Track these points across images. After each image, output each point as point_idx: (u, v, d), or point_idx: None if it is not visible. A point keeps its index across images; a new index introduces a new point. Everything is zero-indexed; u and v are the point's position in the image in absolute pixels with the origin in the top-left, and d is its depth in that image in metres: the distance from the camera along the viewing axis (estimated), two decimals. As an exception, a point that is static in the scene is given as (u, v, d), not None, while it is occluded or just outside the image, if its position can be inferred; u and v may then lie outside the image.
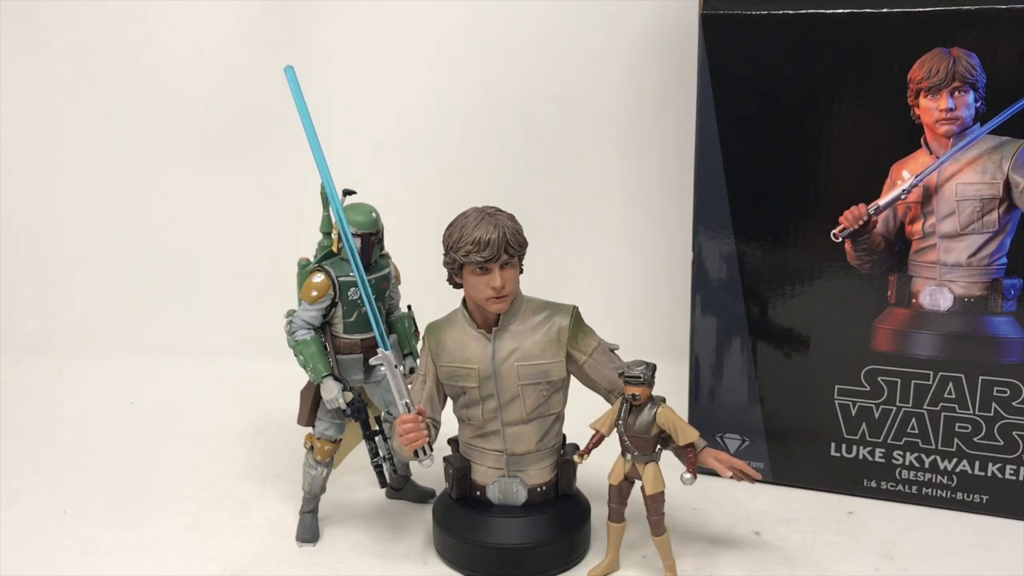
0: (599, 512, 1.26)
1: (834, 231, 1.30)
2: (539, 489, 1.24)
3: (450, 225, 1.18)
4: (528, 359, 1.19)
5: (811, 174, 1.30)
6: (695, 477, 1.15)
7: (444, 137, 1.96)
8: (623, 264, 2.00)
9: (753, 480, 1.18)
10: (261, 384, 1.90)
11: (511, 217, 1.18)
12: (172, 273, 2.11)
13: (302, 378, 1.31)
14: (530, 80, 1.90)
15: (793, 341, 1.37)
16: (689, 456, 1.16)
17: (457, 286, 1.20)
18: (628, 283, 2.00)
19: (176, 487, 1.50)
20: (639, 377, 1.14)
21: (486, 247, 1.13)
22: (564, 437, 1.27)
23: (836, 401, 1.37)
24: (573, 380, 1.24)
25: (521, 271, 1.20)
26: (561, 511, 1.24)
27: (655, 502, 1.17)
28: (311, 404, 1.31)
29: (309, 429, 1.33)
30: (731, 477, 1.17)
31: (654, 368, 1.16)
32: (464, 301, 1.22)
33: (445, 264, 1.19)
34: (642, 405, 1.15)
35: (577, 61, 1.89)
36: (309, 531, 1.32)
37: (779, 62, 1.27)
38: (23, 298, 2.15)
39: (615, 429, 1.18)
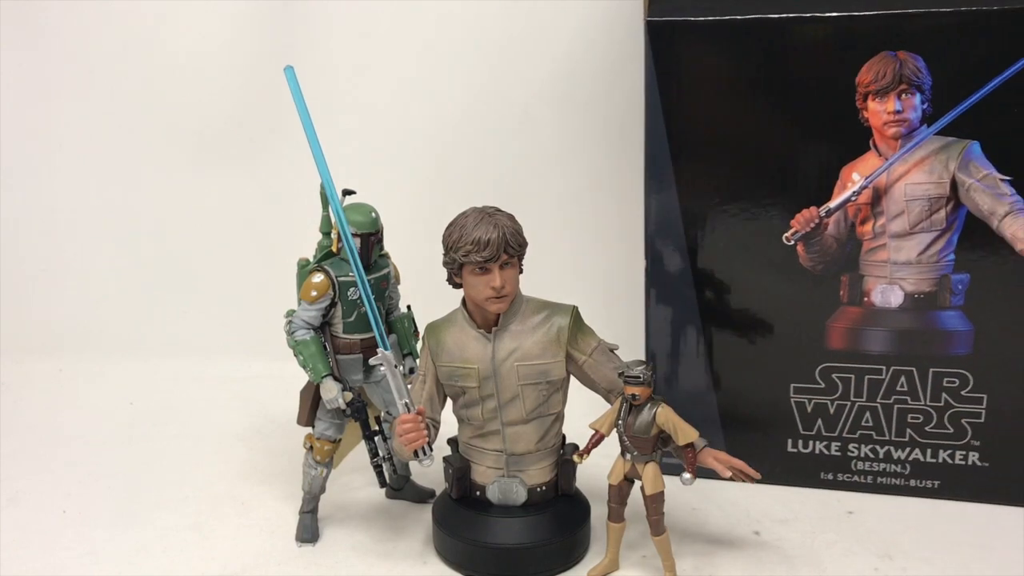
0: (599, 512, 1.26)
1: (786, 234, 1.32)
2: (539, 489, 1.24)
3: (450, 225, 1.18)
4: (528, 359, 1.19)
5: (761, 178, 1.31)
6: (695, 477, 1.16)
7: (444, 137, 1.96)
8: (623, 264, 1.99)
9: (753, 480, 1.18)
10: (261, 384, 1.90)
11: (511, 217, 1.18)
12: (172, 273, 2.11)
13: (302, 378, 1.31)
14: (530, 80, 1.91)
15: (748, 343, 1.39)
16: (689, 456, 1.16)
17: (457, 286, 1.20)
18: (628, 283, 1.99)
19: (176, 487, 1.50)
20: (639, 377, 1.14)
21: (486, 247, 1.13)
22: (564, 437, 1.27)
23: (792, 399, 1.39)
24: (573, 380, 1.24)
25: (521, 271, 1.20)
26: (561, 511, 1.24)
27: (655, 502, 1.17)
28: (311, 404, 1.31)
29: (309, 429, 1.33)
30: (730, 477, 1.18)
31: (654, 368, 1.16)
32: (464, 301, 1.22)
33: (445, 264, 1.19)
34: (642, 405, 1.15)
35: (577, 61, 1.89)
36: (309, 531, 1.32)
37: (726, 67, 1.27)
38: (23, 298, 2.15)
39: (615, 429, 1.18)
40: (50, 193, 2.12)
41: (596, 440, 1.19)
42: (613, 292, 1.84)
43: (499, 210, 1.18)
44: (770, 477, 1.28)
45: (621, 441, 1.18)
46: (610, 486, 1.20)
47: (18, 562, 1.29)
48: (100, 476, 1.54)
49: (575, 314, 1.22)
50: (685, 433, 1.15)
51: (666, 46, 1.28)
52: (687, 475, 1.15)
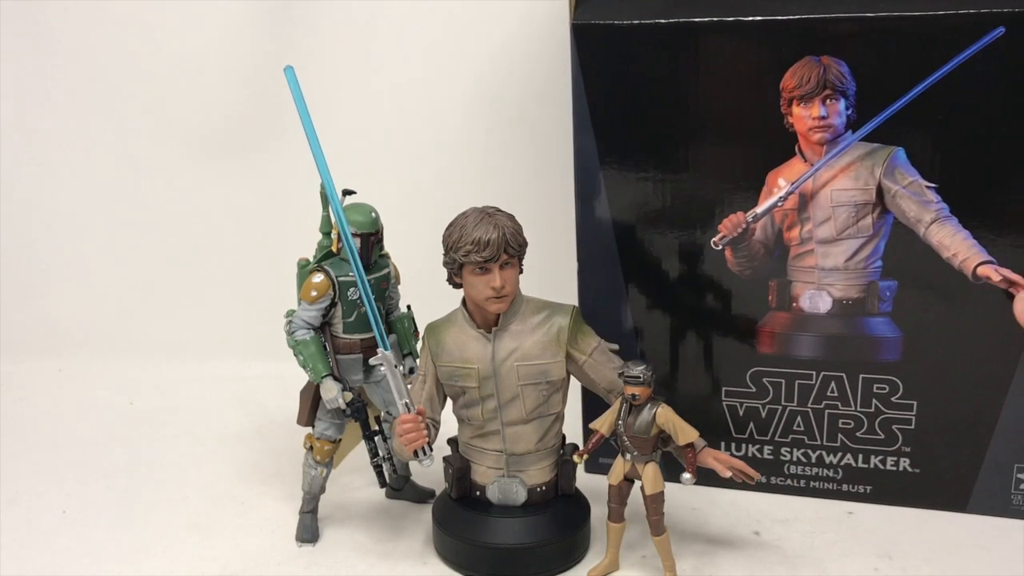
0: (599, 512, 1.26)
1: (714, 239, 1.32)
2: (539, 489, 1.24)
3: (450, 225, 1.18)
4: (528, 359, 1.19)
5: (687, 182, 1.31)
6: (695, 477, 1.16)
7: (444, 137, 1.96)
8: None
9: (753, 480, 1.18)
10: (261, 384, 1.90)
11: (511, 217, 1.18)
12: (172, 273, 2.11)
13: (302, 378, 1.31)
14: (530, 79, 1.90)
15: (681, 345, 1.39)
16: (689, 456, 1.16)
17: (457, 286, 1.20)
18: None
19: (176, 487, 1.50)
20: (639, 377, 1.14)
21: (486, 247, 1.13)
22: (564, 437, 1.27)
23: (724, 402, 1.39)
24: (573, 380, 1.24)
25: (521, 271, 1.20)
26: (561, 511, 1.24)
27: (655, 502, 1.17)
28: (311, 404, 1.31)
29: (309, 429, 1.33)
30: (730, 477, 1.18)
31: (654, 368, 1.16)
32: (464, 301, 1.22)
33: (445, 264, 1.19)
34: (642, 405, 1.16)
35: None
36: (309, 531, 1.32)
37: (652, 70, 1.27)
38: (23, 298, 2.15)
39: (614, 429, 1.18)
40: (50, 193, 2.12)
41: (596, 440, 1.19)
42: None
43: (499, 210, 1.18)
44: (707, 481, 1.29)
45: (621, 441, 1.18)
46: (610, 486, 1.20)
47: (18, 562, 1.29)
48: (100, 476, 1.55)
49: (575, 314, 1.22)
50: (685, 433, 1.15)
51: (591, 49, 1.28)
52: (687, 475, 1.15)
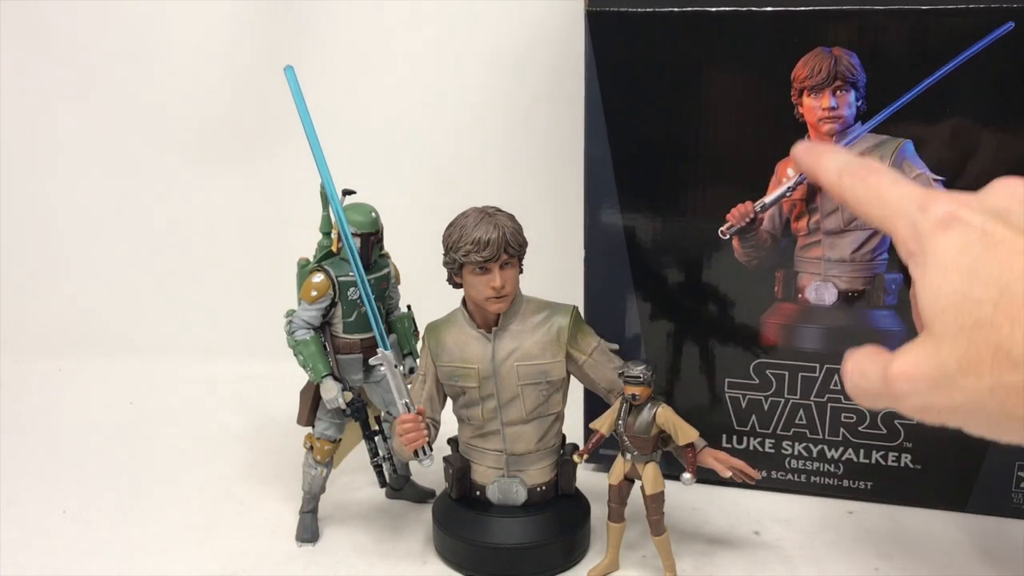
0: (599, 512, 1.26)
1: (721, 228, 1.32)
2: (539, 489, 1.24)
3: (450, 225, 1.18)
4: (528, 359, 1.19)
5: (697, 171, 1.31)
6: (695, 477, 1.16)
7: (444, 137, 1.96)
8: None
9: (753, 480, 1.18)
10: (261, 384, 1.90)
11: (511, 217, 1.18)
12: (172, 273, 2.11)
13: (302, 378, 1.31)
14: (531, 80, 1.90)
15: (683, 338, 1.39)
16: (689, 456, 1.16)
17: (457, 286, 1.20)
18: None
19: (176, 487, 1.50)
20: (639, 377, 1.14)
21: (486, 247, 1.13)
22: (564, 437, 1.27)
23: (727, 394, 1.39)
24: (573, 380, 1.24)
25: (521, 271, 1.20)
26: (561, 511, 1.24)
27: (655, 502, 1.17)
28: (311, 404, 1.31)
29: (309, 429, 1.33)
30: (730, 477, 1.18)
31: (654, 368, 1.16)
32: (464, 301, 1.22)
33: (445, 264, 1.19)
34: (642, 405, 1.16)
35: (579, 60, 1.89)
36: (309, 531, 1.32)
37: (665, 59, 1.27)
38: (23, 298, 2.15)
39: (614, 429, 1.18)
40: (50, 193, 2.12)
41: (596, 440, 1.19)
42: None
43: (499, 210, 1.18)
44: (704, 479, 1.28)
45: (621, 441, 1.18)
46: (610, 486, 1.20)
47: (18, 562, 1.29)
48: (100, 476, 1.54)
49: (575, 314, 1.22)
50: (685, 433, 1.15)
51: (605, 36, 1.28)
52: (687, 475, 1.15)
